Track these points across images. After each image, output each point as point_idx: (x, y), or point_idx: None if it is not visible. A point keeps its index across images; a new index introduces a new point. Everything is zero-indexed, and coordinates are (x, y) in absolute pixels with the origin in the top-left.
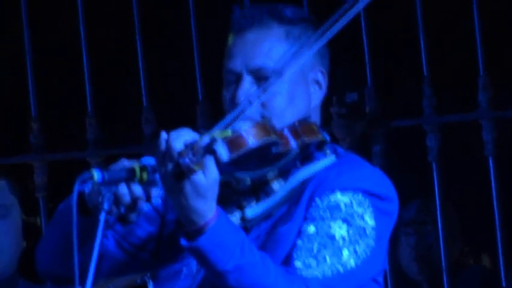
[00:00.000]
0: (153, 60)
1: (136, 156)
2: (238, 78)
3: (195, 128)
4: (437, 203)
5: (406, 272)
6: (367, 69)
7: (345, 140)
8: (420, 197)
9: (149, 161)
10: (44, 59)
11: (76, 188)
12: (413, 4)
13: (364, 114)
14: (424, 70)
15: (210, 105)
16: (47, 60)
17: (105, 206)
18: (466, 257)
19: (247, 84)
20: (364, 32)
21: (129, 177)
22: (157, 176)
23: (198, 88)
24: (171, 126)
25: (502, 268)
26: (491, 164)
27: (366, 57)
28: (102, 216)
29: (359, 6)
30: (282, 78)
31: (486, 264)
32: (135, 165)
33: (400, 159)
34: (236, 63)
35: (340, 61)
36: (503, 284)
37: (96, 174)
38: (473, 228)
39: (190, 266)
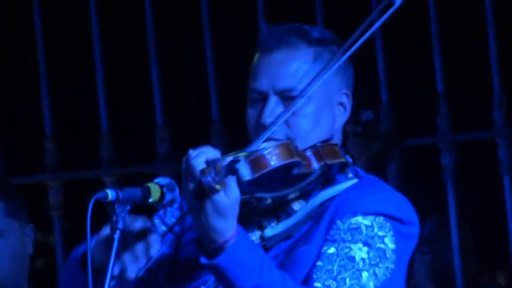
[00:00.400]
0: (168, 79)
1: (151, 175)
2: (264, 98)
3: None
4: (453, 221)
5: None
6: (383, 88)
7: (360, 159)
8: (435, 215)
9: (164, 180)
10: (58, 78)
11: (90, 207)
12: (428, 22)
13: (380, 133)
14: (439, 88)
15: (225, 125)
16: (61, 79)
17: (120, 225)
18: (482, 275)
19: (274, 104)
20: (379, 50)
21: (144, 196)
22: (170, 196)
23: (213, 107)
24: (185, 146)
25: None
26: (506, 183)
27: (381, 75)
28: (117, 235)
29: (376, 26)
30: (309, 100)
31: (501, 282)
32: (150, 184)
33: (415, 177)
34: (263, 83)
35: (356, 79)
36: None
37: (111, 193)
38: (488, 246)
39: (208, 284)
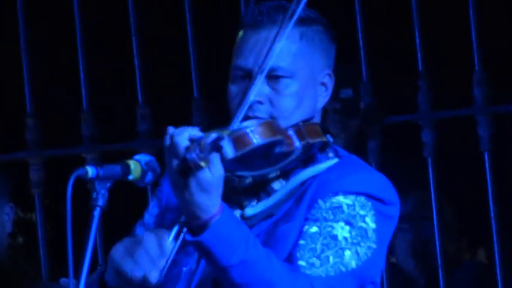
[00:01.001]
0: (149, 57)
1: (132, 152)
2: (248, 76)
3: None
4: (433, 198)
5: (402, 268)
6: (363, 65)
7: (340, 136)
8: (416, 192)
9: (144, 157)
10: (39, 55)
11: (70, 184)
12: (408, 1)
13: (359, 110)
14: (420, 65)
15: (206, 102)
16: (43, 57)
17: (100, 202)
18: (463, 253)
19: (259, 83)
20: (359, 28)
21: (124, 173)
22: (151, 174)
23: (193, 84)
24: (166, 123)
25: (497, 264)
26: (486, 159)
27: (362, 53)
28: (97, 212)
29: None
30: (293, 80)
31: (482, 259)
32: (131, 161)
33: (395, 155)
34: (248, 61)
35: (336, 57)
36: (499, 279)
37: (91, 170)
38: (469, 223)
39: (190, 265)
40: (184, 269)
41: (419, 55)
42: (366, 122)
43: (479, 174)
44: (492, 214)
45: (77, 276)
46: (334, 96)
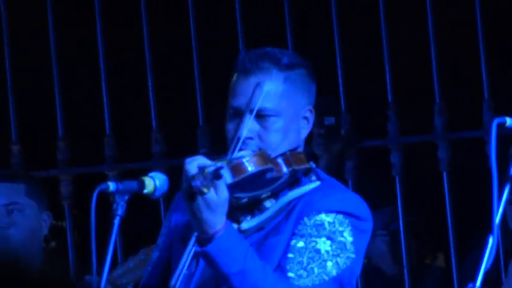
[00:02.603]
0: (162, 89)
1: (147, 170)
2: (241, 115)
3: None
4: (400, 211)
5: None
6: (342, 99)
7: (323, 157)
8: (386, 205)
9: (157, 175)
10: (69, 86)
11: (94, 196)
12: (379, 40)
13: (340, 136)
14: (389, 97)
15: (210, 128)
16: (72, 87)
17: (119, 212)
18: (425, 257)
19: (249, 121)
20: (339, 66)
21: (140, 188)
22: (161, 189)
23: (199, 114)
24: (176, 146)
25: (454, 269)
26: (445, 178)
27: (341, 88)
28: (117, 220)
29: None
30: (279, 117)
31: (441, 264)
32: (145, 177)
33: (368, 174)
34: (240, 102)
35: (321, 91)
36: (455, 283)
37: (112, 185)
38: (430, 232)
39: (189, 269)
40: (186, 273)
41: (388, 90)
42: (345, 145)
43: (439, 190)
44: (449, 224)
45: (99, 273)
46: (319, 123)
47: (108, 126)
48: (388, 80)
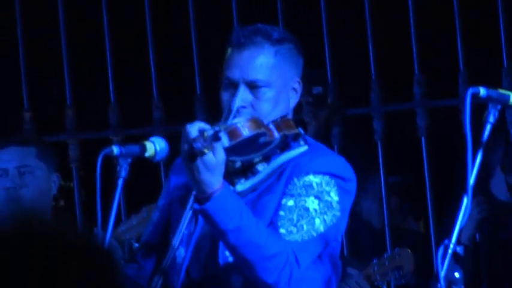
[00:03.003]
0: (163, 62)
1: (148, 135)
2: (235, 85)
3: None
4: (382, 173)
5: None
6: (328, 71)
7: (311, 124)
8: (367, 168)
9: (157, 139)
10: (77, 62)
11: (100, 159)
12: (363, 18)
13: (327, 104)
14: (372, 70)
15: (206, 97)
16: (79, 64)
17: (123, 173)
18: (407, 221)
19: (243, 91)
20: (326, 42)
21: (141, 151)
22: (162, 153)
23: (196, 82)
24: (175, 113)
25: (432, 232)
26: (423, 143)
27: (328, 61)
28: (120, 181)
29: None
30: (270, 88)
31: (421, 229)
32: (146, 142)
33: (353, 139)
34: (235, 74)
35: (311, 63)
36: (433, 246)
37: (115, 149)
38: (410, 194)
39: (189, 228)
40: (185, 232)
41: (371, 63)
42: (331, 113)
43: (417, 154)
44: (427, 188)
45: (104, 229)
46: (308, 92)
47: (112, 95)
48: (371, 55)
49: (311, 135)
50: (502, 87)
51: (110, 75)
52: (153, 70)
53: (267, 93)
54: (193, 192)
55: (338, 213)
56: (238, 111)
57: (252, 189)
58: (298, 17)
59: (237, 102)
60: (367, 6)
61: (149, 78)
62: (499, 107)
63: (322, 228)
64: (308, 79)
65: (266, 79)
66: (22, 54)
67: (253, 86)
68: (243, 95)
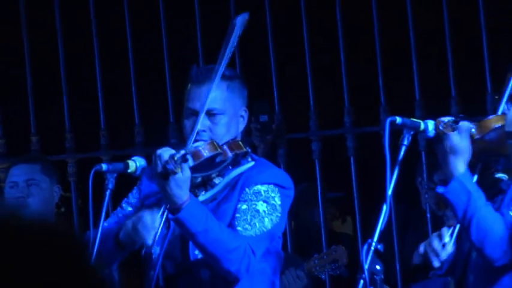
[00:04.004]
0: (143, 94)
1: (131, 155)
2: (195, 114)
3: (168, 140)
4: (319, 186)
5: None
6: (276, 102)
7: (260, 146)
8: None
9: (138, 158)
10: (74, 92)
11: (91, 174)
12: (303, 60)
13: (272, 130)
14: (311, 103)
15: (178, 125)
16: (77, 93)
17: (110, 186)
18: (338, 219)
19: (203, 118)
20: (274, 78)
21: (125, 168)
22: (140, 168)
23: (170, 113)
24: (152, 138)
25: (359, 234)
26: (352, 161)
27: (275, 93)
28: (108, 192)
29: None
30: (224, 115)
31: (348, 231)
32: (129, 160)
33: (295, 158)
34: (195, 105)
35: (258, 96)
36: (360, 244)
37: (104, 166)
38: (341, 198)
39: (162, 231)
40: (161, 233)
41: (310, 97)
42: (276, 137)
43: (347, 170)
44: (355, 194)
45: (95, 228)
46: (256, 120)
47: (102, 123)
48: (310, 90)
49: (260, 155)
50: (415, 117)
51: (100, 106)
52: (135, 102)
53: (222, 120)
54: (167, 206)
55: (280, 214)
56: (198, 134)
57: (212, 199)
58: (250, 57)
59: (199, 126)
60: (307, 47)
61: (132, 108)
62: (412, 132)
63: (269, 226)
64: (257, 109)
65: (221, 108)
66: (30, 87)
67: (210, 114)
68: (203, 121)
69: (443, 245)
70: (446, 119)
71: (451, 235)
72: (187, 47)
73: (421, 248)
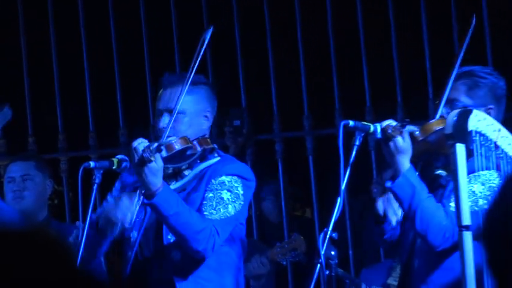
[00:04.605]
0: (128, 99)
1: (116, 153)
2: (161, 114)
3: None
4: (281, 183)
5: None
6: (244, 110)
7: (232, 147)
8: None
9: (122, 156)
10: (69, 96)
11: (80, 171)
12: (267, 73)
13: (243, 133)
14: (275, 109)
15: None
16: (68, 92)
17: (97, 180)
18: (297, 211)
19: (166, 118)
20: (241, 88)
21: (110, 165)
22: (123, 165)
23: (150, 115)
24: (135, 138)
25: (316, 223)
26: (310, 160)
27: (243, 101)
28: (95, 186)
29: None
30: (185, 114)
31: (308, 215)
32: (114, 158)
33: (260, 156)
34: (161, 106)
35: (230, 104)
36: (317, 233)
37: (92, 163)
38: (301, 192)
39: (140, 216)
40: (137, 219)
41: (274, 104)
42: (246, 139)
43: (307, 167)
44: (313, 187)
45: (84, 220)
46: (229, 124)
47: (91, 125)
48: (273, 98)
49: (232, 154)
50: (365, 120)
51: (89, 110)
52: (120, 107)
53: (183, 118)
54: (142, 191)
55: (242, 202)
56: (163, 130)
57: (181, 189)
58: (226, 71)
59: (161, 124)
60: (271, 61)
61: (117, 112)
62: (362, 134)
63: (233, 212)
64: (230, 115)
65: (184, 108)
66: (27, 90)
67: (172, 113)
68: (164, 119)
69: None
70: (394, 123)
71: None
72: (167, 55)
73: (378, 202)
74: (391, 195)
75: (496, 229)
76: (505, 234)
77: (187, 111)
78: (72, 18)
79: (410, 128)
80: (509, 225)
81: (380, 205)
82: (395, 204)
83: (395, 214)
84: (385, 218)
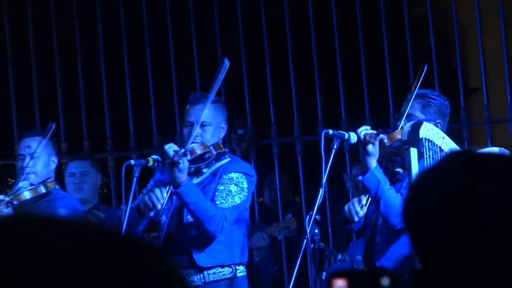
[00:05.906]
0: (161, 113)
1: (150, 154)
2: (192, 125)
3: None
4: (277, 179)
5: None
6: (248, 119)
7: (237, 150)
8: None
9: (156, 156)
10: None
11: (124, 167)
12: (266, 89)
13: (245, 139)
14: (272, 118)
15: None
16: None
17: (136, 175)
18: (290, 198)
19: (196, 128)
20: (247, 102)
21: (146, 163)
22: (157, 163)
23: (177, 125)
24: (165, 142)
25: (304, 207)
26: (299, 161)
27: (248, 111)
28: (134, 180)
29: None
30: (211, 126)
31: (298, 201)
32: (149, 158)
33: (261, 159)
34: (191, 118)
35: (235, 114)
36: (304, 215)
37: (132, 161)
38: (292, 184)
39: (168, 203)
40: (166, 206)
41: (271, 113)
42: (249, 144)
43: (297, 165)
44: (301, 182)
45: (126, 203)
46: (235, 133)
47: (132, 131)
48: (271, 111)
49: (238, 156)
50: (341, 129)
51: (130, 119)
52: (153, 116)
53: (209, 129)
54: (171, 185)
55: (246, 194)
56: (194, 138)
57: (200, 183)
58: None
59: (193, 134)
60: (269, 78)
61: (151, 121)
62: (339, 140)
63: (238, 202)
64: (235, 124)
65: (209, 121)
66: (83, 106)
67: (202, 125)
68: (198, 130)
69: (361, 207)
70: (370, 131)
71: (367, 200)
72: (189, 75)
73: (346, 207)
74: (354, 200)
75: (413, 216)
76: (423, 222)
77: (213, 124)
78: (115, 35)
79: (381, 136)
80: (424, 211)
81: (347, 209)
82: (358, 206)
83: (357, 213)
84: (351, 219)
